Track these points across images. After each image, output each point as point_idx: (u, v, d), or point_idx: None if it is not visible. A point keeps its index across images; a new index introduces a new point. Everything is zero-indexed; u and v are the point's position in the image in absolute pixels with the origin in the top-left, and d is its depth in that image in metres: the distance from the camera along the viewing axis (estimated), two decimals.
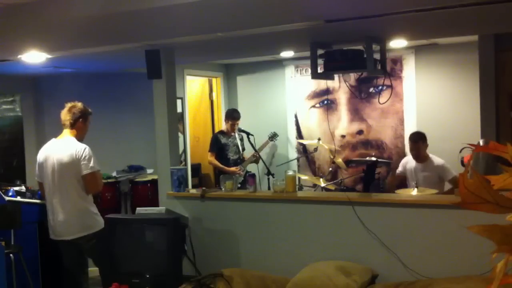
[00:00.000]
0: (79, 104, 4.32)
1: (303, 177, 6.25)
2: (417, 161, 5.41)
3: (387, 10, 3.41)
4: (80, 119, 4.28)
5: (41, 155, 4.30)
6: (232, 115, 6.36)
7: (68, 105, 4.30)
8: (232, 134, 6.36)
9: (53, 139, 4.32)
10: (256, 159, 6.29)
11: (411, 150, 5.48)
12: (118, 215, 5.29)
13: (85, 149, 4.16)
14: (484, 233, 1.20)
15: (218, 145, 6.25)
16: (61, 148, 4.19)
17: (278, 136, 6.90)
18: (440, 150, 5.59)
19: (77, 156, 4.12)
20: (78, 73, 6.27)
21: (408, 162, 5.56)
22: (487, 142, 3.74)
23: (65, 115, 4.27)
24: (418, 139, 5.40)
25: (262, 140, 6.72)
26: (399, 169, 5.68)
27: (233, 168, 6.17)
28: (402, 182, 5.55)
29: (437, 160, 5.35)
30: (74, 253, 4.27)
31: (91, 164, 4.15)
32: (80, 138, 4.28)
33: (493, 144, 1.29)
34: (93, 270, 4.74)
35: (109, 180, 5.95)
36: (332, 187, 5.75)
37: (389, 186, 5.64)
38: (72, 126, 4.26)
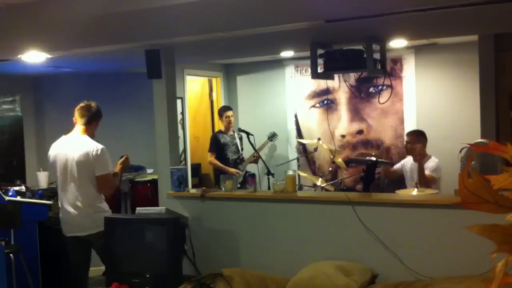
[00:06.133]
0: (95, 104, 4.32)
1: (303, 174, 6.24)
2: (415, 160, 5.42)
3: (387, 10, 3.41)
4: (96, 119, 4.29)
5: (52, 152, 4.29)
6: (223, 109, 6.47)
7: (86, 102, 4.30)
8: (231, 132, 6.37)
9: (64, 136, 4.31)
10: (255, 158, 6.29)
11: (405, 142, 5.55)
12: (118, 215, 5.29)
13: (102, 149, 4.15)
14: (484, 233, 1.20)
15: (217, 145, 6.25)
16: (76, 146, 4.17)
17: (277, 136, 6.89)
18: (440, 150, 5.59)
19: (93, 155, 4.12)
20: (78, 73, 6.27)
21: (409, 162, 5.56)
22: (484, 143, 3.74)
23: (83, 111, 4.24)
24: (413, 133, 5.49)
25: (262, 140, 6.71)
26: (397, 165, 5.72)
27: (233, 169, 6.16)
28: (399, 178, 5.54)
29: (431, 160, 5.34)
30: (83, 252, 4.28)
31: (106, 166, 4.16)
32: (91, 137, 4.27)
33: (493, 144, 1.29)
34: (93, 270, 4.74)
35: None
36: (332, 187, 5.76)
37: (383, 173, 5.64)
38: (88, 123, 4.24)
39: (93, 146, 4.15)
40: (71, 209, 4.19)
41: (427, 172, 5.21)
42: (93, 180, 4.17)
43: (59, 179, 4.29)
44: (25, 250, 4.66)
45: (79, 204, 4.17)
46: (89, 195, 4.19)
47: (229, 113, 6.43)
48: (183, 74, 6.71)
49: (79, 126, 4.25)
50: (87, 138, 4.21)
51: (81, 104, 4.29)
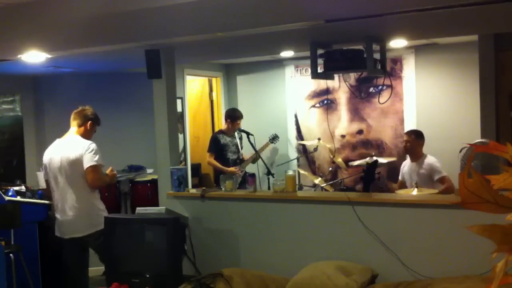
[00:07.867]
0: (91, 109, 4.42)
1: (303, 171, 6.22)
2: (412, 160, 5.42)
3: (387, 10, 3.41)
4: (90, 121, 4.36)
5: (46, 156, 4.35)
6: (234, 115, 6.34)
7: (81, 107, 4.40)
8: (232, 133, 6.35)
9: (58, 139, 4.37)
10: (255, 157, 6.26)
11: (404, 142, 5.50)
12: (118, 215, 5.30)
13: (91, 144, 4.24)
14: (484, 233, 1.20)
15: (217, 146, 6.22)
16: (67, 146, 4.24)
17: (279, 138, 6.81)
18: (440, 150, 5.59)
19: (83, 152, 4.16)
20: (78, 73, 6.28)
21: (405, 165, 5.57)
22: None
23: (76, 114, 4.35)
24: (411, 133, 5.47)
25: (262, 140, 6.69)
26: (400, 174, 5.68)
27: (232, 169, 6.14)
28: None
29: (430, 159, 5.35)
30: (78, 252, 4.29)
31: (95, 158, 4.18)
32: (85, 138, 4.30)
33: (493, 144, 1.29)
34: (93, 270, 4.74)
35: None
36: (331, 188, 5.76)
37: (392, 191, 5.61)
38: (80, 125, 4.32)
39: (83, 143, 4.21)
40: (67, 211, 4.20)
41: (438, 176, 5.16)
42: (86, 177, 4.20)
43: (52, 183, 4.30)
44: (25, 250, 4.66)
45: (75, 204, 4.19)
46: (84, 195, 4.21)
47: (241, 120, 6.37)
48: (183, 74, 6.71)
49: (72, 128, 4.35)
50: (78, 137, 4.28)
51: (78, 109, 4.39)
